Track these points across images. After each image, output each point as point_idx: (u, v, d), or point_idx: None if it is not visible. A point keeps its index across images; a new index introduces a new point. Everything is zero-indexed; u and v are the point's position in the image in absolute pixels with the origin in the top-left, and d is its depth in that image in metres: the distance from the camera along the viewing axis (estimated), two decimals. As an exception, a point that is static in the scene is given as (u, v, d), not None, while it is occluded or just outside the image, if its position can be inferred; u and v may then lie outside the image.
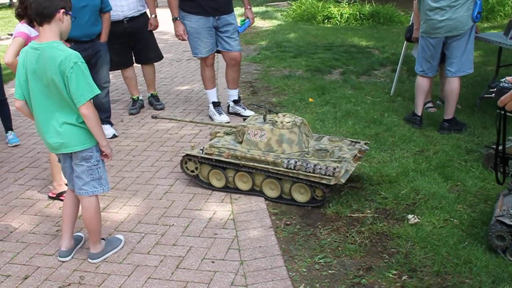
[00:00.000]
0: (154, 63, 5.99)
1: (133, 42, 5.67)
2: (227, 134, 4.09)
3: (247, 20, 5.35)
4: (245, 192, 3.79)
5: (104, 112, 5.20)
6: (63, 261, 3.12)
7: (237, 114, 5.49)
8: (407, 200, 3.58)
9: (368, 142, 4.13)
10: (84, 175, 2.96)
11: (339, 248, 3.07)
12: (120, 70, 5.90)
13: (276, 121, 3.72)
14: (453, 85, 4.82)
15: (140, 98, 6.09)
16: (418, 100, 5.07)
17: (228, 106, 5.58)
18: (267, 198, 3.71)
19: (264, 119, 3.84)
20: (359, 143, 3.92)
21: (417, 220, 3.30)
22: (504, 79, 5.41)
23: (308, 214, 3.50)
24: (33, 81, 2.80)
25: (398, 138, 4.70)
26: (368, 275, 2.80)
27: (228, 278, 2.84)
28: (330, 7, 12.46)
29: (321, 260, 2.96)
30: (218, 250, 3.14)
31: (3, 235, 3.49)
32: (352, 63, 7.80)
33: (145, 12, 5.71)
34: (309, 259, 2.98)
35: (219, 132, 4.17)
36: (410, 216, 3.34)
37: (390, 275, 2.78)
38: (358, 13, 12.00)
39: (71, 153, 2.93)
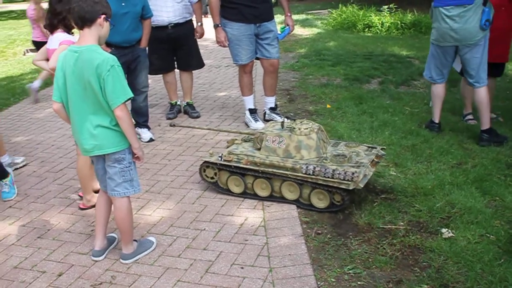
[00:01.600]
0: (193, 71, 6.06)
1: (176, 48, 5.76)
2: (245, 141, 4.13)
3: (287, 27, 5.37)
4: (263, 198, 3.83)
5: (142, 116, 5.31)
6: (96, 261, 3.20)
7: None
8: (442, 214, 3.51)
9: (385, 147, 4.17)
10: (116, 176, 3.03)
11: (370, 260, 3.03)
12: (161, 75, 6.01)
13: (294, 128, 3.77)
14: (480, 95, 4.78)
15: (179, 103, 6.18)
16: (434, 107, 5.14)
17: (265, 113, 5.60)
18: (287, 202, 3.77)
19: (282, 126, 3.87)
20: (375, 148, 3.99)
21: (451, 234, 3.22)
22: None
23: (339, 224, 3.48)
24: (70, 84, 2.88)
25: (436, 150, 4.62)
26: (398, 289, 2.75)
27: (256, 285, 2.85)
28: (371, 16, 12.37)
29: (350, 271, 2.93)
30: (248, 256, 3.15)
31: (41, 233, 3.60)
32: (391, 73, 7.71)
33: (191, 20, 5.79)
34: (338, 269, 2.95)
35: (236, 139, 4.21)
36: (444, 230, 3.27)
37: (421, 289, 2.73)
38: (399, 22, 11.86)
39: (104, 155, 3.00)
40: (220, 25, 5.14)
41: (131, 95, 2.86)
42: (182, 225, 3.58)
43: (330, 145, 3.95)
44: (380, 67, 8.03)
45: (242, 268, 3.03)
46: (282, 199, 3.79)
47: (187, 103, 6.11)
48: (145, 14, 5.06)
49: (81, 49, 2.84)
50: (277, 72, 5.44)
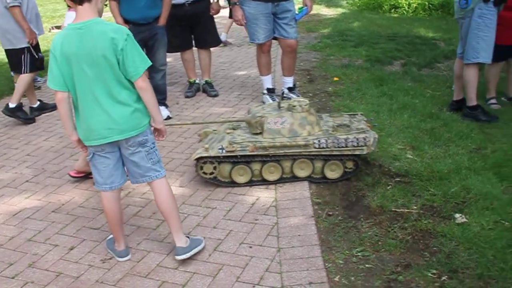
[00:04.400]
0: (213, 48, 6.03)
1: (193, 26, 5.73)
2: (234, 129, 3.94)
3: (305, 7, 5.28)
4: (272, 182, 3.77)
5: (160, 93, 5.29)
6: (124, 261, 2.98)
7: (291, 102, 5.44)
8: (457, 199, 3.43)
9: (363, 113, 4.25)
10: (143, 161, 2.79)
11: (379, 243, 2.99)
12: (179, 53, 6.00)
13: (294, 106, 3.75)
14: (465, 74, 4.90)
15: (197, 81, 6.16)
16: (455, 84, 5.24)
17: (283, 93, 5.53)
18: (299, 180, 3.78)
19: (279, 106, 3.84)
20: (357, 114, 4.14)
21: (464, 219, 3.16)
22: None
23: (351, 206, 3.44)
24: (77, 65, 2.60)
25: (455, 134, 4.52)
26: (406, 272, 2.71)
27: (264, 264, 2.85)
28: (398, -4, 12.09)
29: (359, 253, 2.90)
30: (257, 235, 3.14)
31: (55, 207, 3.66)
32: (415, 55, 7.54)
33: None
34: (347, 251, 2.93)
35: (209, 130, 3.99)
36: (457, 215, 3.21)
37: (429, 274, 2.69)
38: (427, 2, 11.56)
39: (123, 140, 2.73)
40: (237, 3, 5.09)
41: (150, 62, 2.69)
42: (194, 203, 3.59)
43: None
44: (403, 49, 7.87)
45: (250, 247, 3.03)
46: (293, 179, 3.77)
47: (206, 82, 6.09)
48: (165, -9, 5.02)
49: (86, 24, 2.59)
50: (295, 52, 5.37)
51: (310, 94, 5.83)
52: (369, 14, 11.62)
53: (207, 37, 5.87)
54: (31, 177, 4.16)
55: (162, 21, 5.04)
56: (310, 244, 3.00)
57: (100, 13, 2.76)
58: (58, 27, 10.33)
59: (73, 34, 2.61)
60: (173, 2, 5.28)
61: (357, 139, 3.65)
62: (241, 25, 5.19)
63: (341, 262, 2.84)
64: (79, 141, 2.85)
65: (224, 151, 3.65)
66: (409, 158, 4.08)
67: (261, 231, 3.19)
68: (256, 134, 3.78)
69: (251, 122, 3.80)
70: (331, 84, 6.21)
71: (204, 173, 3.75)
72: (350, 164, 3.75)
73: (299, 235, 3.10)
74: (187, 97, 5.97)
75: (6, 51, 5.35)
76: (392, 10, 11.86)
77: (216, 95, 5.96)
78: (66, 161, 4.45)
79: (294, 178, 3.79)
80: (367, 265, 2.80)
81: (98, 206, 3.62)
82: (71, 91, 2.70)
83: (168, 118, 5.27)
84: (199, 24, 5.71)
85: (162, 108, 5.31)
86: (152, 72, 5.25)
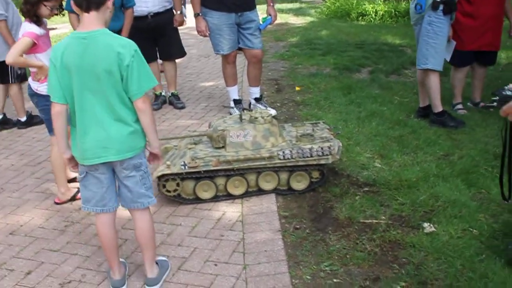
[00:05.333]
0: (180, 59, 5.93)
1: (156, 38, 5.64)
2: (195, 143, 3.81)
3: (269, 17, 5.23)
4: (238, 197, 3.68)
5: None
6: None
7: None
8: (425, 207, 3.40)
9: (325, 120, 4.30)
10: (137, 186, 2.61)
11: (347, 256, 2.93)
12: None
13: (257, 117, 3.69)
14: (427, 80, 4.92)
15: (163, 93, 6.06)
16: (419, 91, 5.27)
17: (249, 104, 5.48)
18: (265, 193, 3.72)
19: (241, 118, 3.76)
20: (319, 123, 4.15)
21: (433, 229, 3.12)
22: (507, 86, 5.19)
23: (319, 219, 3.37)
24: (78, 78, 2.41)
25: (423, 141, 4.51)
26: (375, 286, 2.65)
27: (229, 283, 2.75)
28: (364, 4, 12.22)
29: (327, 268, 2.83)
30: (223, 252, 3.05)
31: (13, 229, 3.50)
32: (382, 62, 7.58)
33: (171, 8, 5.67)
34: (314, 266, 2.85)
35: (169, 146, 3.86)
36: (425, 225, 3.17)
37: (398, 287, 2.63)
38: (393, 10, 11.71)
39: (115, 162, 2.54)
40: (200, 14, 5.02)
41: (156, 82, 2.51)
42: (158, 220, 3.47)
43: None
44: (371, 56, 7.90)
45: (215, 265, 2.93)
46: (260, 192, 3.69)
47: (172, 94, 5.99)
48: (126, 3, 4.92)
49: (92, 34, 2.38)
50: (260, 63, 5.31)
51: (278, 104, 5.77)
52: (337, 23, 11.69)
53: (171, 49, 5.78)
54: (-12, 198, 3.99)
55: (124, 33, 4.93)
56: (277, 260, 2.92)
57: (107, 24, 2.50)
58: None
59: (76, 44, 2.41)
60: (135, 14, 5.18)
61: (322, 148, 3.61)
62: (205, 36, 5.11)
63: (308, 277, 2.77)
64: (71, 159, 2.65)
65: (186, 167, 3.54)
66: (377, 167, 4.04)
67: (227, 247, 3.09)
68: (219, 148, 3.68)
69: (213, 136, 3.70)
70: (298, 94, 6.17)
71: (168, 191, 3.61)
72: (316, 174, 3.70)
73: (265, 251, 3.02)
74: (153, 109, 5.84)
75: None
76: (360, 18, 11.97)
77: (182, 107, 5.86)
78: (27, 179, 4.28)
79: (260, 192, 3.71)
80: (335, 280, 2.73)
81: (58, 227, 3.48)
82: (69, 104, 2.50)
83: (133, 132, 5.13)
84: (163, 36, 5.63)
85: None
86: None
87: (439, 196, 3.51)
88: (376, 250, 2.97)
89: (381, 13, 11.72)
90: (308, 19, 12.54)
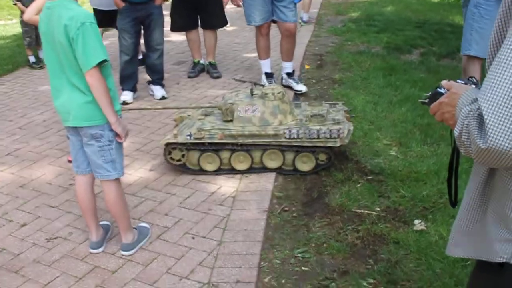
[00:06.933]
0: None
1: (198, 7, 5.63)
2: (206, 115, 3.79)
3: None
4: (242, 172, 3.65)
5: (156, 73, 5.26)
6: (95, 253, 2.86)
7: (290, 88, 5.26)
8: (426, 203, 3.22)
9: (344, 102, 4.08)
10: (94, 156, 2.64)
11: (325, 245, 2.84)
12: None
13: (267, 93, 3.58)
14: (466, 65, 4.56)
15: (201, 62, 6.07)
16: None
17: (281, 79, 5.38)
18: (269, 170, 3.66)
19: (251, 93, 3.66)
20: (337, 104, 3.97)
21: (423, 227, 2.96)
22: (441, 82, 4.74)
23: (311, 203, 3.29)
24: (45, 43, 2.55)
25: (451, 131, 4.23)
26: (340, 280, 2.57)
27: (199, 257, 2.77)
28: (440, -20, 11.50)
29: (299, 255, 2.77)
30: (204, 226, 3.06)
31: (24, 182, 3.69)
32: (438, 44, 7.15)
33: None
34: (288, 251, 2.80)
35: (184, 115, 3.85)
36: (416, 222, 3.01)
37: (364, 284, 2.53)
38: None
39: (77, 128, 2.62)
40: (234, -16, 4.95)
41: (104, 57, 2.44)
42: (155, 188, 3.54)
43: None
44: (428, 37, 7.47)
45: (193, 238, 2.95)
46: (263, 169, 3.64)
47: (210, 63, 5.98)
48: (163, -31, 4.93)
49: (53, 4, 2.46)
50: (294, 37, 5.17)
51: (314, 81, 5.64)
52: (408, -2, 11.13)
53: (213, 19, 5.75)
54: (13, 150, 4.21)
55: (159, 0, 4.95)
56: (253, 240, 2.89)
57: None
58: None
59: (44, 14, 2.53)
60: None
61: (330, 130, 3.49)
62: (238, 5, 5.04)
63: (278, 262, 2.72)
64: None
65: (191, 137, 3.56)
66: (392, 155, 3.87)
67: (210, 222, 3.10)
68: (227, 121, 3.66)
69: (222, 108, 3.68)
70: (339, 71, 5.98)
71: (172, 159, 3.66)
72: (323, 157, 3.60)
73: (245, 230, 3.00)
74: (189, 77, 5.90)
75: None
76: (434, -5, 11.31)
77: (218, 77, 5.85)
78: (52, 136, 4.47)
79: (265, 169, 3.66)
80: (303, 268, 2.67)
81: (63, 184, 3.63)
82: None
83: (163, 98, 5.21)
84: (206, 6, 5.60)
85: (158, 87, 5.27)
86: (148, 51, 5.21)
87: (444, 193, 3.30)
88: (356, 242, 2.87)
89: (457, -9, 11.01)
90: (379, -7, 12.03)
